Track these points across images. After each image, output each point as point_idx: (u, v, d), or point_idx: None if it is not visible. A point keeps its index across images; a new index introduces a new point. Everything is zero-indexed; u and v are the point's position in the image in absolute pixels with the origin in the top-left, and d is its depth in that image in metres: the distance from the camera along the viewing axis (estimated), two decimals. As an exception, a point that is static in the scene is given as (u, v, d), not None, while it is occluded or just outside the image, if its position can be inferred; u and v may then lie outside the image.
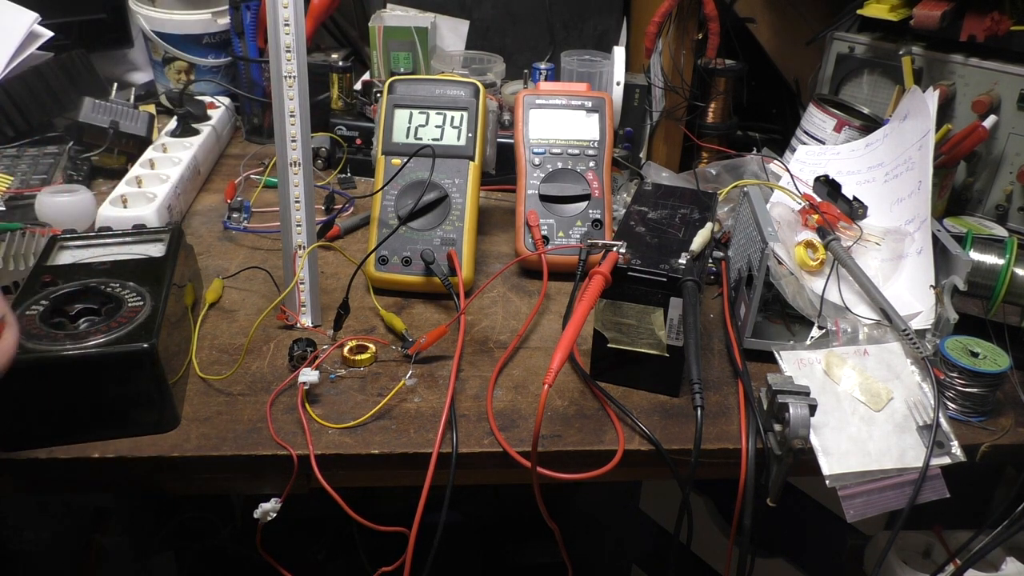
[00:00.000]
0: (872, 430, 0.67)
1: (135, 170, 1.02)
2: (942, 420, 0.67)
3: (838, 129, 1.02)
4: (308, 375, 0.69)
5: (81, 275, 0.71)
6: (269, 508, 0.65)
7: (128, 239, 0.78)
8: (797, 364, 0.72)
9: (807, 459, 0.65)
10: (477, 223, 0.88)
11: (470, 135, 0.90)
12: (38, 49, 1.11)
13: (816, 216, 0.82)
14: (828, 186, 0.89)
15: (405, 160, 0.88)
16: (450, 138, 0.90)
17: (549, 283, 0.88)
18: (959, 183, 1.03)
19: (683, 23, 1.09)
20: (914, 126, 0.87)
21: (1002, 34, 0.94)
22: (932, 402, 0.68)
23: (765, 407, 0.67)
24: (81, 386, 0.62)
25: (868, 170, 0.93)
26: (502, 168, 0.98)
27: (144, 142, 1.10)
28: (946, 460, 0.66)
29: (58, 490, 0.92)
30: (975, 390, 0.70)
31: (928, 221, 0.79)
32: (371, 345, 0.76)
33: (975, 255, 0.77)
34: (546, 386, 0.58)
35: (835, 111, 1.03)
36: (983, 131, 0.95)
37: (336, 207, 1.04)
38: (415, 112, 0.91)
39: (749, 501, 0.64)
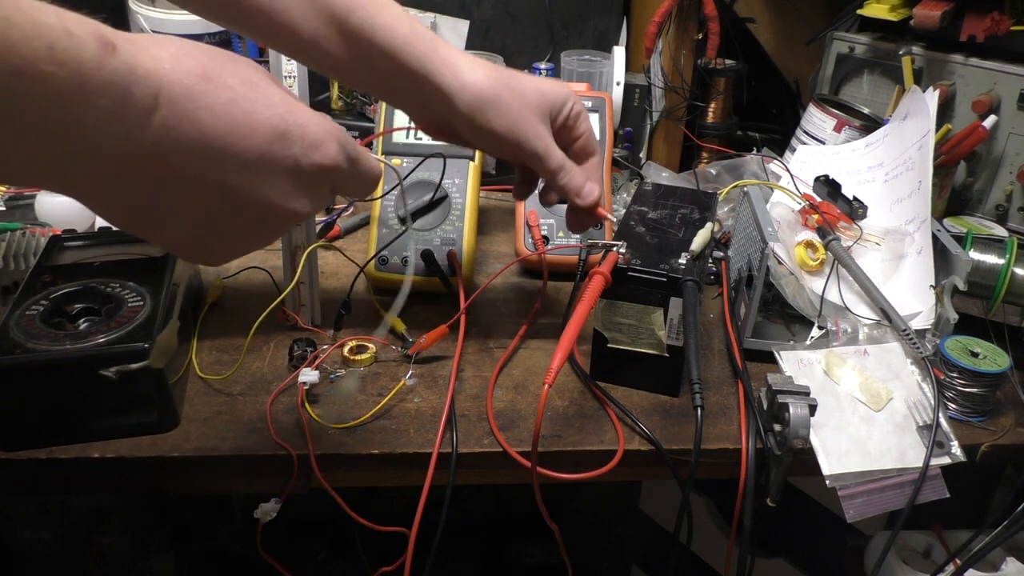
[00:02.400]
0: (872, 430, 0.67)
1: (135, 170, 1.01)
2: (942, 420, 0.67)
3: (838, 129, 1.03)
4: (308, 375, 0.69)
5: (81, 275, 0.71)
6: (269, 508, 0.65)
7: (128, 239, 0.78)
8: (797, 364, 0.72)
9: (807, 459, 0.65)
10: (477, 223, 0.88)
11: (470, 135, 0.90)
12: (38, 49, 1.11)
13: (816, 216, 0.82)
14: (828, 186, 0.89)
15: (414, 165, 0.88)
16: (450, 138, 0.90)
17: (549, 283, 0.88)
18: (959, 183, 1.03)
19: (683, 23, 1.09)
20: (914, 126, 0.87)
21: (1002, 34, 0.94)
22: (932, 402, 0.68)
23: (765, 407, 0.67)
24: (81, 386, 0.62)
25: (868, 170, 0.93)
26: (502, 168, 0.98)
27: (144, 142, 1.10)
28: (946, 460, 0.66)
29: (58, 490, 0.92)
30: (975, 390, 0.70)
31: (928, 221, 0.79)
32: (371, 345, 0.76)
33: (975, 255, 0.77)
34: (546, 386, 0.58)
35: (835, 111, 1.03)
36: (983, 131, 0.95)
37: (336, 207, 1.04)
38: (415, 112, 0.91)
39: (749, 501, 0.64)
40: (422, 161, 0.86)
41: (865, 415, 0.68)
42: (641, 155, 1.16)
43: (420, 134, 0.91)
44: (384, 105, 0.92)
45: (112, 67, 0.35)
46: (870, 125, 1.01)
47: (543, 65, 1.16)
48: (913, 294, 0.77)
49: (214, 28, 1.25)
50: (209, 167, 0.40)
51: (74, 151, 0.35)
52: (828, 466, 0.65)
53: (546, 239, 0.90)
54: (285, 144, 0.43)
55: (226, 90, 0.40)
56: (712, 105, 1.17)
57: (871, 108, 1.05)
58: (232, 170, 0.41)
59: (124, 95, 0.36)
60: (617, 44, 1.29)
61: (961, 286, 0.74)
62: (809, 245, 0.79)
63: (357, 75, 0.63)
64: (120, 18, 1.31)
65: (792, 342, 0.75)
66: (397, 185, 0.87)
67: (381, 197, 0.87)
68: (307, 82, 0.73)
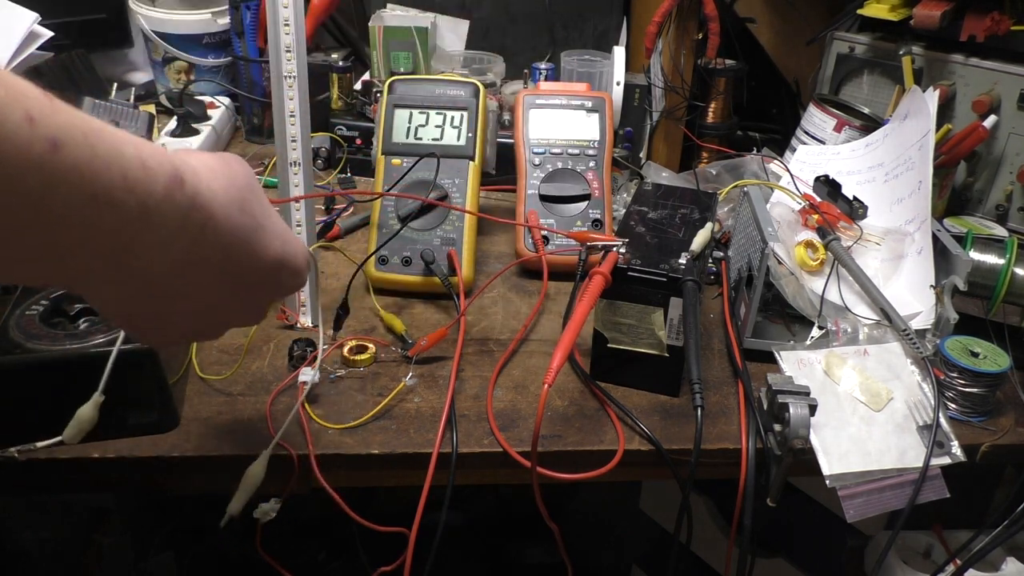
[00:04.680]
0: (872, 430, 0.67)
1: (135, 170, 1.01)
2: (942, 420, 0.67)
3: (838, 129, 1.02)
4: (308, 375, 0.69)
5: (81, 275, 0.71)
6: (269, 508, 0.65)
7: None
8: (797, 364, 0.72)
9: (807, 459, 0.65)
10: (477, 223, 0.88)
11: (470, 135, 0.90)
12: (38, 49, 1.11)
13: (816, 216, 0.82)
14: (828, 186, 0.89)
15: (410, 165, 0.88)
16: (450, 138, 0.90)
17: (549, 283, 0.87)
18: (959, 183, 1.03)
19: (683, 23, 1.09)
20: (914, 126, 0.87)
21: (1002, 34, 0.94)
22: (932, 402, 0.68)
23: (765, 407, 0.67)
24: (81, 386, 0.62)
25: (868, 170, 0.93)
26: (502, 168, 0.98)
27: (144, 142, 1.10)
28: (946, 460, 0.66)
29: (58, 490, 0.92)
30: (975, 390, 0.70)
31: (928, 221, 0.79)
32: (371, 345, 0.76)
33: (975, 255, 0.77)
34: (546, 386, 0.58)
35: (835, 111, 1.03)
36: (983, 131, 0.95)
37: (336, 207, 1.04)
38: (415, 112, 0.91)
39: (749, 501, 0.64)
40: (417, 162, 0.87)
41: (865, 415, 0.68)
42: (641, 155, 1.16)
43: (420, 134, 0.91)
44: (384, 105, 0.92)
45: (177, 199, 0.37)
46: (870, 125, 1.01)
47: (543, 65, 1.16)
48: (913, 294, 0.77)
49: (214, 28, 1.26)
50: (218, 283, 0.43)
51: (118, 267, 0.37)
52: (828, 466, 0.65)
53: (546, 239, 0.90)
54: (279, 270, 0.47)
55: (252, 220, 0.44)
56: (712, 105, 1.17)
57: (871, 108, 1.05)
58: (233, 286, 0.45)
59: (182, 225, 0.38)
60: (617, 44, 1.29)
61: (961, 286, 0.74)
62: (809, 245, 0.79)
63: None
64: (120, 18, 1.31)
65: (792, 342, 0.75)
66: (395, 184, 0.87)
67: (380, 196, 0.87)
68: (307, 82, 0.73)
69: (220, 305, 0.45)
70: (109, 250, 0.36)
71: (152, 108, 1.25)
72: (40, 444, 0.59)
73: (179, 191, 0.37)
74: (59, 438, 0.58)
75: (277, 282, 0.48)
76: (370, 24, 1.19)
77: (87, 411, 0.58)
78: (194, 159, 0.41)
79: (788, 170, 0.94)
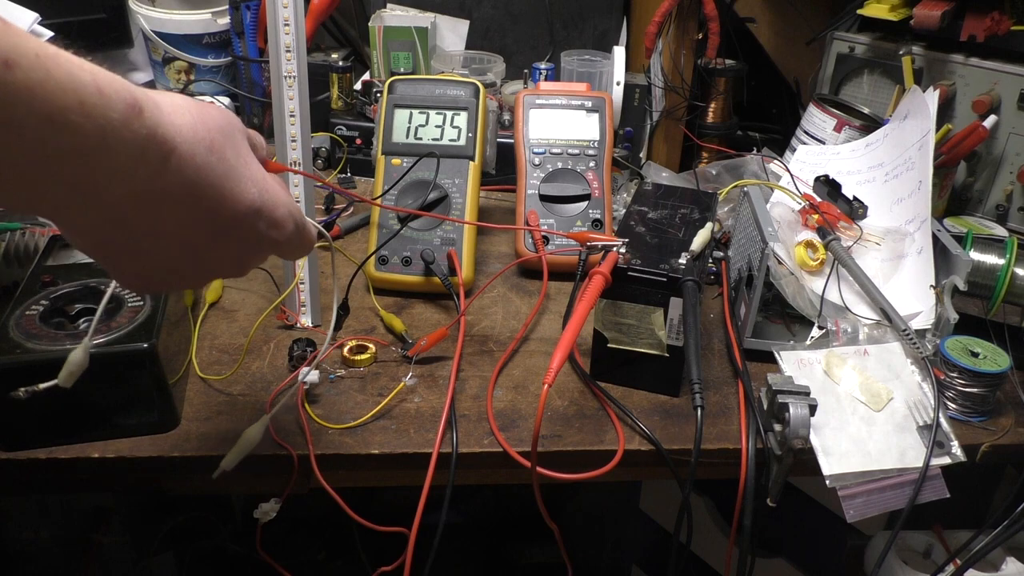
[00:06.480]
0: (872, 430, 0.67)
1: (135, 170, 1.01)
2: (942, 420, 0.67)
3: (838, 129, 1.02)
4: (308, 375, 0.69)
5: (81, 275, 0.71)
6: (269, 508, 0.65)
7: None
8: (797, 364, 0.72)
9: (807, 459, 0.65)
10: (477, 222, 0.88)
11: (470, 135, 0.90)
12: (38, 49, 1.11)
13: (816, 216, 0.82)
14: (828, 186, 0.89)
15: (410, 165, 0.88)
16: (450, 138, 0.90)
17: (549, 283, 0.87)
18: (959, 183, 1.03)
19: (683, 23, 1.09)
20: (914, 126, 0.87)
21: (1002, 34, 0.94)
22: (932, 402, 0.68)
23: (765, 407, 0.67)
24: (81, 386, 0.62)
25: (868, 170, 0.93)
26: (502, 168, 0.98)
27: (144, 142, 1.10)
28: (946, 460, 0.66)
29: (58, 490, 0.92)
30: (975, 390, 0.70)
31: (928, 221, 0.79)
32: (371, 345, 0.76)
33: (975, 255, 0.77)
34: (546, 386, 0.58)
35: (835, 111, 1.03)
36: (983, 131, 0.95)
37: (336, 207, 1.04)
38: (415, 112, 0.91)
39: (749, 501, 0.64)
40: (416, 161, 0.87)
41: (865, 415, 0.68)
42: (641, 155, 1.16)
43: (420, 134, 0.91)
44: (384, 105, 0.92)
45: (135, 128, 0.37)
46: (870, 125, 1.01)
47: (543, 65, 1.16)
48: (913, 294, 0.77)
49: (214, 28, 1.25)
50: (190, 225, 0.44)
51: (82, 193, 0.38)
52: (828, 466, 0.65)
53: (546, 239, 0.90)
54: (255, 218, 0.47)
55: (223, 163, 0.44)
56: (712, 105, 1.17)
57: (871, 108, 1.05)
58: (207, 231, 0.45)
59: (141, 155, 0.38)
60: (617, 44, 1.29)
61: (961, 286, 0.74)
62: (809, 245, 0.79)
63: None
64: (120, 18, 1.31)
65: (792, 342, 0.75)
66: (395, 184, 0.87)
67: (380, 196, 0.87)
68: (307, 82, 0.73)
69: (196, 248, 0.45)
70: (71, 176, 0.36)
71: (152, 108, 1.25)
72: (42, 386, 0.58)
73: (137, 120, 0.37)
74: (54, 381, 0.58)
75: (255, 231, 0.47)
76: (370, 24, 1.19)
77: (77, 355, 0.57)
78: (159, 95, 0.41)
79: (788, 170, 0.94)
